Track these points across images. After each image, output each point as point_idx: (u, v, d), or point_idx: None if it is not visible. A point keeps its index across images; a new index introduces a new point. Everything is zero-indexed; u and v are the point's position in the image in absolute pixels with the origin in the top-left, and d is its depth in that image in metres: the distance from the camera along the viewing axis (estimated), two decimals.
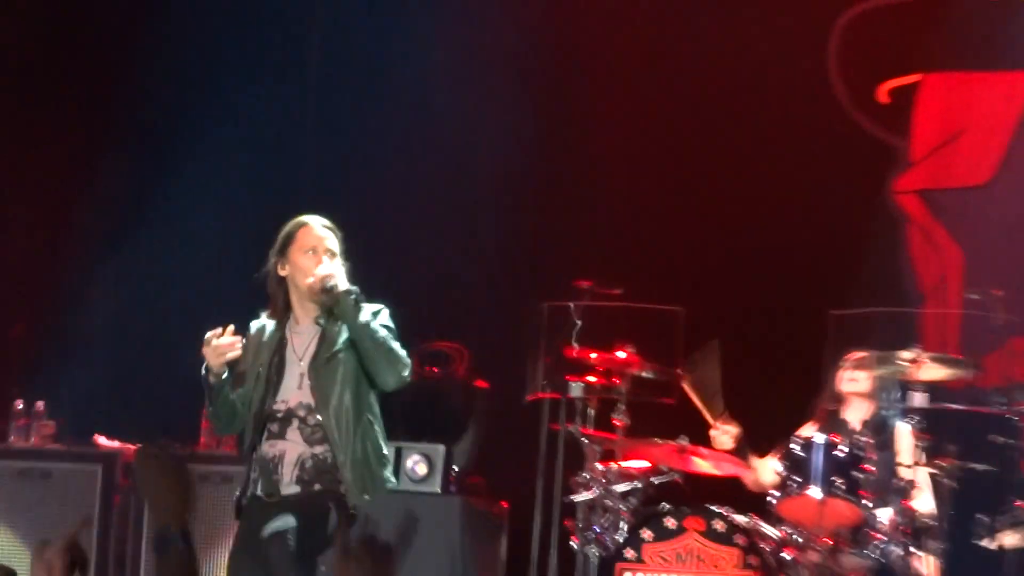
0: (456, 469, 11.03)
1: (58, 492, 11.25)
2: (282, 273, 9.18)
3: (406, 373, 9.24)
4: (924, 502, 10.10)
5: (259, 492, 9.16)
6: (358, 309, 9.03)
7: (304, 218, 9.43)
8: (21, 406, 11.44)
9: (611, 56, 12.51)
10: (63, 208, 13.32)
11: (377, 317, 9.24)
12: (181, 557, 4.47)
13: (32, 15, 13.59)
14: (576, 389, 10.36)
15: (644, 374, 10.53)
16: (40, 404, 11.47)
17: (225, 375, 9.15)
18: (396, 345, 9.19)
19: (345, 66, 13.26)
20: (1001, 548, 10.10)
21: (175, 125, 13.30)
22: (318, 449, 9.12)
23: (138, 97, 13.35)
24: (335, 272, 9.03)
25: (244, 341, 9.19)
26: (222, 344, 9.09)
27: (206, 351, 9.09)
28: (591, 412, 10.55)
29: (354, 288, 9.05)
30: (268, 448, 9.24)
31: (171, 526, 4.58)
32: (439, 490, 10.99)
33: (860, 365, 10.55)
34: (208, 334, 8.78)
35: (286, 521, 8.91)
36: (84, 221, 13.17)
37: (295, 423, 9.17)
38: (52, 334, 12.69)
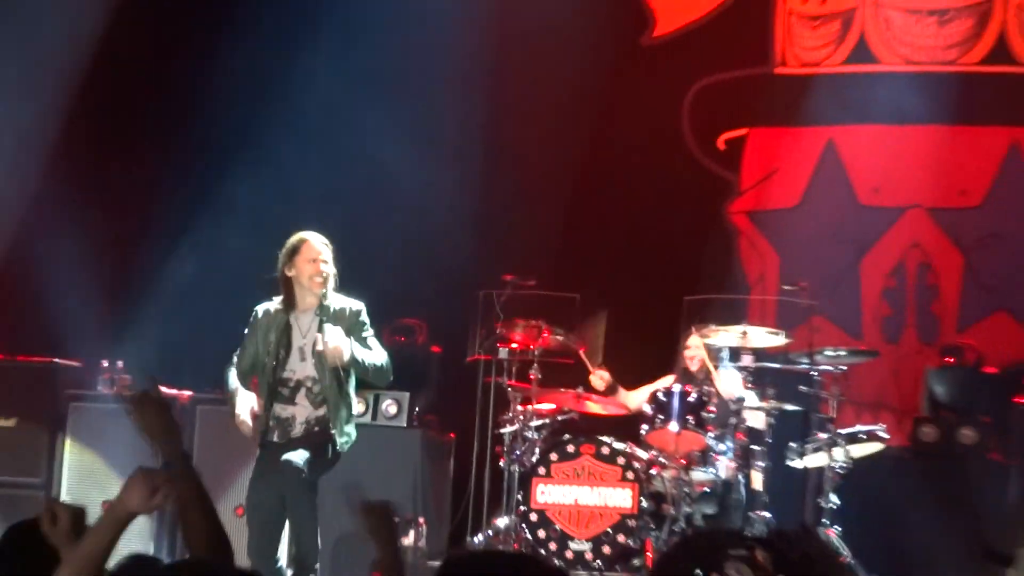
0: (417, 410, 10.97)
1: (132, 429, 11.00)
2: (289, 274, 9.10)
3: (390, 378, 9.45)
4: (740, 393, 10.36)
5: (275, 439, 9.21)
6: (361, 362, 9.12)
7: (305, 234, 9.34)
8: (106, 364, 11.21)
9: (533, 116, 12.30)
10: (138, 210, 12.93)
11: (365, 332, 9.29)
12: (189, 475, 4.39)
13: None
14: (503, 353, 10.45)
15: (552, 340, 10.47)
16: (120, 363, 11.23)
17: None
18: (382, 360, 9.28)
19: (345, 120, 12.77)
20: (805, 467, 10.25)
21: (221, 155, 12.79)
22: (319, 411, 9.21)
23: (199, 128, 12.78)
24: (343, 349, 9.00)
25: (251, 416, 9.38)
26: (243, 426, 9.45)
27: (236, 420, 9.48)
28: (513, 369, 10.49)
29: (355, 354, 9.07)
30: (281, 410, 9.30)
31: (175, 453, 4.48)
32: (405, 425, 10.93)
33: (703, 336, 10.50)
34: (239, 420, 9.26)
35: (299, 454, 9.01)
36: (152, 220, 12.84)
37: (303, 391, 9.22)
38: (128, 312, 12.24)
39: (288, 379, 9.32)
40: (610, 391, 10.66)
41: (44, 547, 4.27)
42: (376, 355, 9.40)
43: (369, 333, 9.50)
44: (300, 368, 9.30)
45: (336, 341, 9.08)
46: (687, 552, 3.58)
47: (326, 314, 9.20)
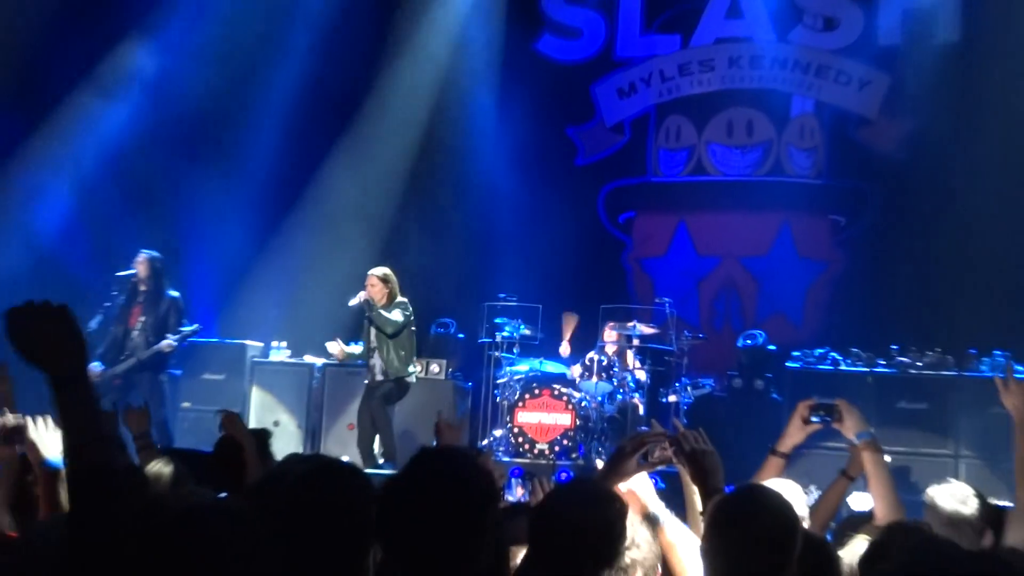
0: (450, 370, 10.84)
1: (293, 381, 10.87)
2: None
3: (389, 330, 9.30)
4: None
5: (367, 381, 9.54)
6: (373, 310, 9.23)
7: (372, 270, 9.52)
8: (275, 344, 11.15)
9: (517, 207, 12.04)
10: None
11: (391, 312, 9.31)
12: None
13: None
14: (499, 337, 10.29)
15: (526, 330, 10.39)
16: (284, 343, 11.14)
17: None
18: (391, 320, 9.25)
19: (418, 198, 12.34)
20: (668, 401, 10.08)
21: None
22: (384, 364, 9.41)
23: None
24: (363, 296, 9.22)
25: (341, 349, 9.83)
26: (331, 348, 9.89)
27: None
28: (504, 346, 10.30)
29: (371, 302, 9.23)
30: (370, 361, 9.51)
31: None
32: (443, 378, 10.67)
33: (611, 328, 10.35)
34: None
35: (379, 395, 9.38)
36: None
37: (376, 353, 9.42)
38: (286, 308, 11.84)
39: (369, 344, 9.48)
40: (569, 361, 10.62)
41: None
42: (386, 315, 9.33)
43: (395, 311, 9.42)
44: (375, 341, 9.44)
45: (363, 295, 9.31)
46: (632, 443, 3.44)
47: (373, 310, 9.39)
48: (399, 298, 9.50)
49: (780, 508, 2.83)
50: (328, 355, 10.41)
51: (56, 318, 2.27)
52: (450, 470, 2.48)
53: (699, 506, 3.34)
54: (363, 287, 9.46)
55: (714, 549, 2.76)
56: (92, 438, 2.29)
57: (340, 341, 10.10)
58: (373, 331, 9.47)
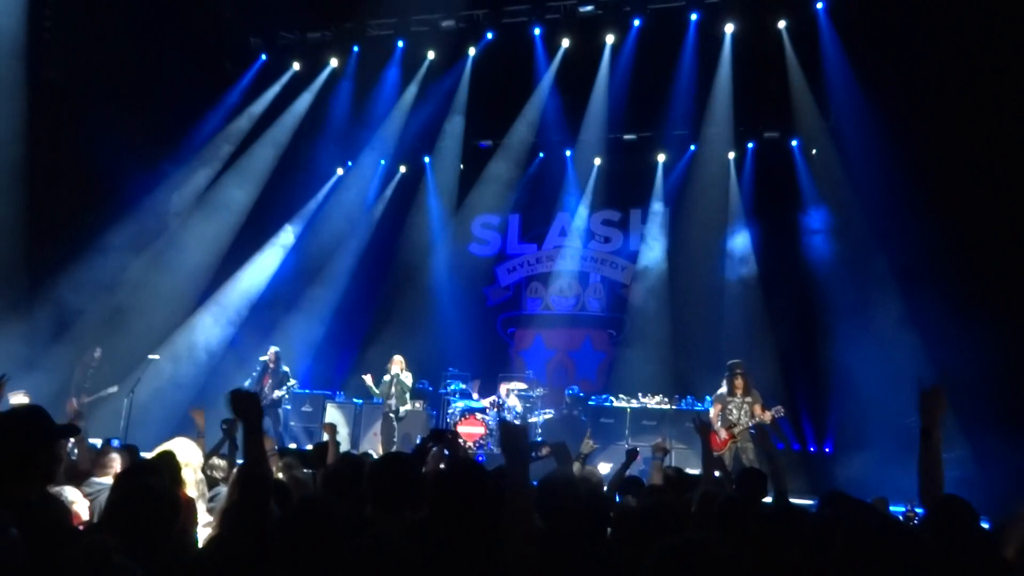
0: (424, 405, 10.10)
1: (348, 411, 10.30)
2: None
3: (406, 388, 8.66)
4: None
5: (385, 410, 8.88)
6: (397, 376, 8.46)
7: (395, 355, 9.01)
8: (339, 393, 10.70)
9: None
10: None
11: (405, 377, 8.67)
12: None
13: None
14: (448, 389, 9.92)
15: (462, 386, 10.08)
16: (342, 392, 10.77)
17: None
18: (407, 384, 8.56)
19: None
20: (532, 420, 9.40)
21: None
22: (396, 402, 8.89)
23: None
24: (393, 367, 8.39)
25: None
26: (365, 379, 8.60)
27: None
28: (451, 394, 9.83)
29: (399, 373, 8.38)
30: (387, 401, 8.96)
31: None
32: (421, 410, 9.92)
33: (504, 384, 9.74)
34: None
35: (388, 417, 8.84)
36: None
37: (393, 397, 8.99)
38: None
39: (388, 391, 9.10)
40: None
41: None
42: (404, 380, 8.67)
43: (408, 376, 9.01)
44: (392, 390, 9.01)
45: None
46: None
47: (397, 376, 9.03)
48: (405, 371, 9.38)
49: (573, 478, 2.69)
50: (364, 383, 9.54)
51: (252, 397, 2.35)
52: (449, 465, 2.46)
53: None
54: (387, 364, 9.31)
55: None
56: (259, 455, 2.26)
57: (371, 376, 9.47)
58: (392, 387, 9.23)
